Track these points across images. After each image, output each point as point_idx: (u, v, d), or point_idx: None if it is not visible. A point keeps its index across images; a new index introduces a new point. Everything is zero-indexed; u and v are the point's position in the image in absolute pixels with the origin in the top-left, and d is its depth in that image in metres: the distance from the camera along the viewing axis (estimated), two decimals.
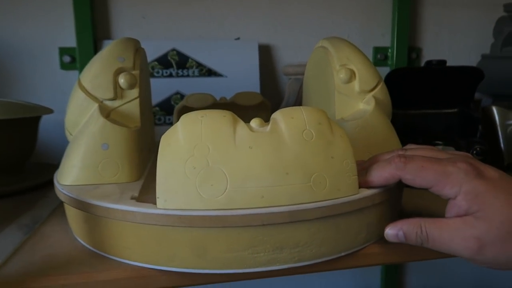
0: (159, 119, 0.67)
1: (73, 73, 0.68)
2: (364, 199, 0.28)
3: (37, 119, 0.53)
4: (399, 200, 0.35)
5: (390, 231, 0.27)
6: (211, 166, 0.26)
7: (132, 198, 0.29)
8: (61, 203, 0.32)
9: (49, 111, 0.53)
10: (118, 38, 0.68)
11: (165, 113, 0.67)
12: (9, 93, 0.66)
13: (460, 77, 0.48)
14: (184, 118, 0.28)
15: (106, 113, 0.34)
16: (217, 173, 0.25)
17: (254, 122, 0.28)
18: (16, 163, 0.52)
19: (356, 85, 0.37)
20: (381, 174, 0.27)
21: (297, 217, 0.26)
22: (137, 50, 0.38)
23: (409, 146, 0.31)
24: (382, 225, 0.32)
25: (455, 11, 0.78)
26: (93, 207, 0.28)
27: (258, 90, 0.69)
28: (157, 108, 0.66)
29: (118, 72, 0.35)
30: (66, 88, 0.68)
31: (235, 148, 0.26)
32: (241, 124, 0.27)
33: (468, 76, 0.48)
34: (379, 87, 0.38)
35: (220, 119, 0.27)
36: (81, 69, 0.66)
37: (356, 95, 0.38)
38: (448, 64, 0.51)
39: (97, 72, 0.35)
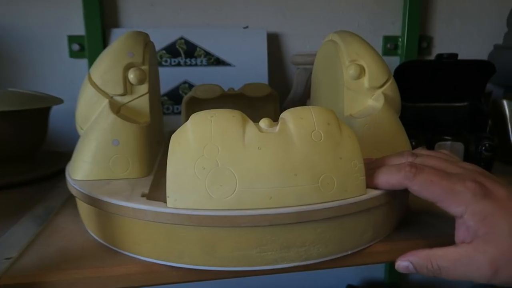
0: (167, 109, 0.67)
1: (82, 61, 0.68)
2: (371, 199, 0.28)
3: (47, 110, 0.53)
4: (406, 199, 0.35)
5: (401, 263, 0.27)
6: (220, 166, 0.26)
7: (143, 195, 0.29)
8: (72, 194, 0.33)
9: (59, 101, 0.54)
10: (126, 29, 0.68)
11: (173, 102, 0.67)
12: (18, 81, 0.67)
13: (471, 71, 0.47)
14: (194, 117, 0.28)
15: (116, 109, 0.34)
16: (226, 174, 0.26)
17: (263, 122, 0.28)
18: (27, 153, 0.53)
19: (365, 81, 0.37)
20: (389, 180, 0.28)
21: (304, 217, 0.26)
22: (147, 44, 0.38)
23: (419, 150, 0.31)
24: (388, 223, 0.32)
25: None
26: (104, 203, 0.29)
27: (266, 79, 0.69)
28: (165, 98, 0.67)
29: (128, 68, 0.35)
30: (75, 77, 0.69)
31: (244, 149, 0.26)
32: (250, 124, 0.28)
33: (480, 70, 0.47)
34: (388, 83, 0.38)
35: (229, 119, 0.27)
36: (89, 57, 0.67)
37: (365, 91, 0.37)
38: (459, 54, 0.50)
39: (107, 67, 0.35)
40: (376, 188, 0.29)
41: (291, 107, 0.68)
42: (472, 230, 0.25)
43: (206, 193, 0.26)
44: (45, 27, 0.66)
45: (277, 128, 0.28)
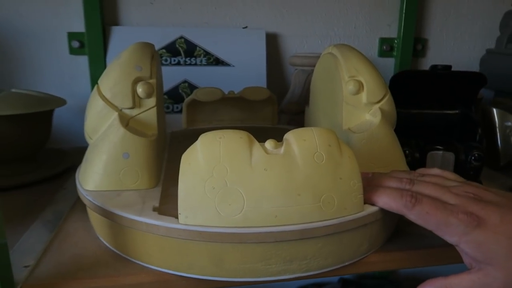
0: (167, 107, 0.68)
1: (82, 58, 0.69)
2: (368, 216, 0.30)
3: (51, 111, 0.54)
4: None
5: None
6: (229, 186, 0.28)
7: (154, 209, 0.31)
8: (79, 198, 0.35)
9: (63, 102, 0.55)
10: (126, 26, 0.68)
11: (173, 101, 0.68)
12: (18, 78, 0.67)
13: (463, 82, 0.49)
14: (203, 138, 0.30)
15: (126, 122, 0.36)
16: (234, 193, 0.28)
17: (269, 144, 0.30)
18: (31, 153, 0.54)
19: (363, 96, 0.39)
20: (389, 203, 0.30)
21: (307, 234, 0.28)
22: (153, 56, 0.39)
23: (420, 171, 0.33)
24: (382, 235, 0.34)
25: (462, 0, 0.78)
26: (118, 217, 0.31)
27: (264, 79, 0.70)
28: (165, 96, 0.68)
29: (136, 81, 0.37)
30: (74, 73, 0.69)
31: (251, 170, 0.28)
32: (256, 145, 0.29)
33: (472, 81, 0.49)
34: (385, 98, 0.39)
35: (237, 140, 0.29)
36: (90, 54, 0.67)
37: (363, 106, 0.39)
38: (452, 56, 0.52)
39: (116, 81, 0.36)
40: (373, 204, 0.31)
41: (288, 109, 0.69)
42: (470, 255, 0.27)
43: (216, 211, 0.28)
44: (45, 24, 0.67)
45: (282, 149, 0.29)
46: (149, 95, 0.37)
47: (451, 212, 0.28)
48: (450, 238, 0.28)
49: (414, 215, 0.28)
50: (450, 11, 0.78)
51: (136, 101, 0.37)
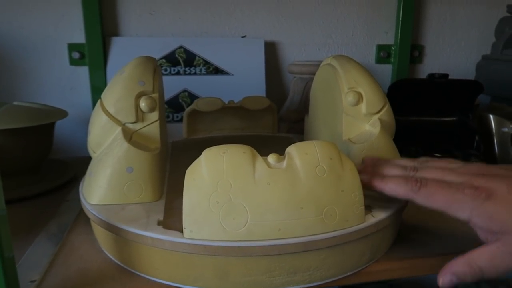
0: (167, 117, 0.69)
1: (83, 69, 0.69)
2: (370, 227, 0.31)
3: (53, 123, 0.55)
4: (400, 217, 0.38)
5: (445, 279, 0.28)
6: (233, 201, 0.28)
7: (159, 223, 0.31)
8: (82, 210, 0.35)
9: (65, 114, 0.55)
10: (126, 37, 0.69)
11: (173, 110, 0.69)
12: (19, 90, 0.68)
13: (460, 90, 0.50)
14: (207, 153, 0.30)
15: (129, 136, 0.36)
16: (238, 208, 0.28)
17: (271, 158, 0.30)
18: (34, 165, 0.54)
19: (363, 107, 0.40)
20: (395, 189, 0.30)
21: (310, 247, 0.29)
22: (155, 70, 0.40)
23: (423, 159, 0.34)
24: (383, 245, 0.35)
25: (458, 7, 0.79)
26: (123, 231, 0.31)
27: (263, 88, 0.71)
28: (165, 106, 0.68)
29: (139, 96, 0.37)
30: (75, 84, 0.70)
31: (254, 184, 0.29)
32: (259, 160, 0.30)
33: (468, 89, 0.50)
34: (384, 109, 0.40)
35: (240, 155, 0.30)
36: (90, 65, 0.68)
37: (363, 117, 0.40)
38: (448, 63, 0.52)
39: (119, 96, 0.37)
40: (375, 190, 0.31)
41: (288, 116, 0.70)
42: (485, 228, 0.27)
43: (220, 225, 0.28)
44: (46, 36, 0.67)
45: (284, 163, 0.30)
46: (152, 109, 0.37)
47: (457, 189, 0.28)
48: (462, 215, 0.28)
49: (421, 198, 0.29)
50: (446, 18, 0.79)
51: (139, 115, 0.37)
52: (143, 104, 0.37)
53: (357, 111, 0.40)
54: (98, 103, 0.38)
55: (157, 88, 0.38)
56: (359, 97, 0.40)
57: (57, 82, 0.69)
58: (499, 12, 0.75)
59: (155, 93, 0.38)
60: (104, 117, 0.37)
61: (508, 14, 0.73)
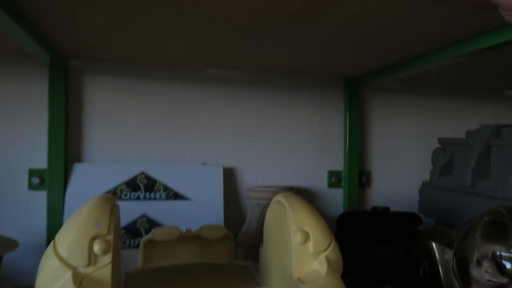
0: (124, 242, 0.68)
1: (40, 194, 0.70)
2: None
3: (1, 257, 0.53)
4: None
5: None
6: None
7: None
8: None
9: (15, 245, 0.54)
10: (89, 163, 0.71)
11: (131, 235, 0.68)
12: None
13: (401, 222, 0.54)
14: None
15: (79, 281, 0.36)
16: None
17: None
18: None
19: (310, 246, 0.42)
20: None
21: None
22: (112, 210, 0.41)
23: None
24: None
25: (398, 138, 0.89)
26: None
27: (221, 213, 0.73)
28: (122, 231, 0.68)
29: (93, 239, 0.38)
30: (31, 208, 0.69)
31: None
32: None
33: (408, 221, 0.54)
34: (330, 247, 0.43)
35: None
36: (49, 190, 0.68)
37: (311, 255, 0.42)
38: (393, 188, 0.57)
39: (73, 239, 0.37)
40: None
41: (245, 242, 0.71)
42: None
43: None
44: (6, 162, 0.68)
45: None
46: (105, 252, 0.38)
47: None
48: None
49: None
50: (388, 147, 0.88)
51: (92, 258, 0.37)
52: (96, 247, 0.38)
53: (305, 250, 0.42)
54: (51, 245, 0.38)
55: (112, 230, 0.39)
56: (307, 236, 0.42)
57: (12, 207, 0.68)
58: (433, 143, 0.85)
59: (110, 235, 0.39)
60: (55, 261, 0.37)
61: (439, 146, 0.82)
